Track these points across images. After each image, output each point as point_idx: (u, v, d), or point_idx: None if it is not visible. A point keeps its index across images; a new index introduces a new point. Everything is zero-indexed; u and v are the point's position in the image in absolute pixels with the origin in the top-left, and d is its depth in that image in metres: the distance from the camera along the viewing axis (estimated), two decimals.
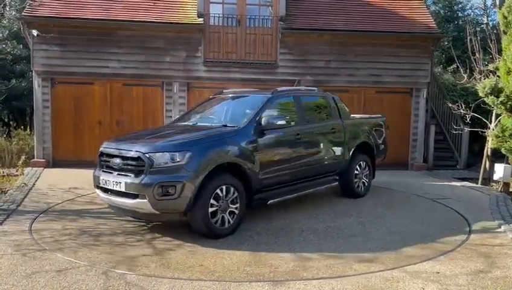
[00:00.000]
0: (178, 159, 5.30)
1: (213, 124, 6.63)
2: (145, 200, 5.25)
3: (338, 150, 7.54)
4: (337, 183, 7.59)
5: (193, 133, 6.15)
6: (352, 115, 8.44)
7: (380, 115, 9.26)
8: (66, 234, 5.64)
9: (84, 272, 4.41)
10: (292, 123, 6.85)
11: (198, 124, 6.83)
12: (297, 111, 7.00)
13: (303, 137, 6.81)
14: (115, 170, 5.63)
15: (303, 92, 7.70)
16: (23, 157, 10.00)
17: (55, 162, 11.05)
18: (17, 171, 9.85)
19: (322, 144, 7.24)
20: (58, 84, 11.14)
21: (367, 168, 8.10)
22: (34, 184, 8.78)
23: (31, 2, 11.03)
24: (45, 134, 11.07)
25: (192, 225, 5.52)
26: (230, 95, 7.53)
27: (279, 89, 7.19)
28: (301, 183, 6.86)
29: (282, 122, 6.42)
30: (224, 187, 5.54)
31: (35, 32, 10.54)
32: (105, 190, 5.76)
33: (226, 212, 5.58)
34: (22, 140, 12.33)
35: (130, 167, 5.47)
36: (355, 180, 7.84)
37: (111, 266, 4.58)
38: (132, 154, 5.47)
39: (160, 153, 5.34)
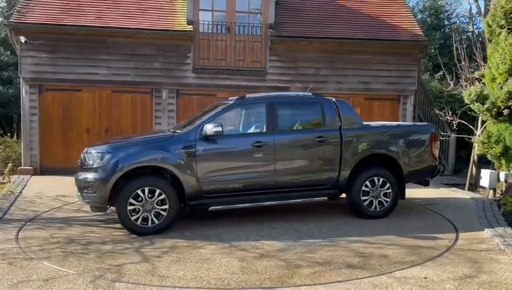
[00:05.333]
0: (99, 160, 6.05)
1: (171, 130, 6.91)
2: (79, 193, 6.23)
3: (328, 162, 6.76)
4: (325, 198, 6.84)
5: (131, 138, 7.00)
6: (370, 123, 7.67)
7: (422, 123, 8.01)
8: (54, 243, 5.59)
9: (71, 281, 4.37)
10: (256, 131, 6.70)
11: (172, 130, 7.02)
12: (268, 118, 6.62)
13: (267, 146, 6.44)
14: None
15: (285, 98, 7.21)
16: (9, 165, 9.86)
17: (42, 170, 10.95)
18: (3, 179, 9.70)
19: (298, 154, 6.68)
20: (46, 91, 11.07)
21: (387, 185, 6.91)
22: (20, 192, 8.69)
23: (19, 9, 10.97)
24: (32, 141, 10.97)
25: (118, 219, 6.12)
26: (219, 102, 7.54)
27: (248, 95, 6.99)
28: (263, 195, 6.51)
29: (223, 129, 6.18)
30: (146, 188, 5.95)
31: (23, 39, 10.48)
32: None
33: (150, 213, 5.98)
34: (8, 147, 12.18)
35: (78, 165, 6.44)
36: (365, 197, 6.85)
37: (99, 275, 4.54)
38: (81, 155, 6.43)
39: (90, 154, 6.21)
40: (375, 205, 6.92)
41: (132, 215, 5.93)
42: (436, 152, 7.49)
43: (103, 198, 5.96)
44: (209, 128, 6.17)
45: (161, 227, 6.02)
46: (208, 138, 6.24)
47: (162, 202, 6.02)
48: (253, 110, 6.92)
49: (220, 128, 6.19)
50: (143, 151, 6.13)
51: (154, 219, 6.00)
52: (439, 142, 7.59)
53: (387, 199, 6.96)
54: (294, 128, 6.94)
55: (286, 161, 6.61)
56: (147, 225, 5.98)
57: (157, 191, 5.98)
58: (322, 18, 12.33)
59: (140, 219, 5.96)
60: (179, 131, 6.55)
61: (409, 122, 8.59)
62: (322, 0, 12.83)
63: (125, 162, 5.96)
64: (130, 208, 5.91)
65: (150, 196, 5.96)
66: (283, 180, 6.60)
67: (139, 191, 5.93)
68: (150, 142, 6.44)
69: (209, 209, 6.30)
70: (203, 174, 6.20)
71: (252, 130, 6.83)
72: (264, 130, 6.65)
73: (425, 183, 7.66)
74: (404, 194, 7.19)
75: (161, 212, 6.02)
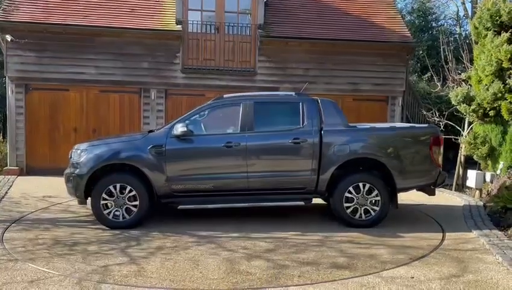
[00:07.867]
0: (78, 157, 6.40)
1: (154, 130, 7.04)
2: (66, 186, 6.55)
3: (304, 165, 6.42)
4: (302, 203, 6.59)
5: (110, 137, 7.30)
6: (358, 124, 7.16)
7: (421, 125, 7.53)
8: (39, 244, 5.52)
9: (57, 282, 4.32)
10: (228, 131, 6.60)
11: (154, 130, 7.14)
12: (242, 119, 6.46)
13: (238, 147, 6.32)
14: None
15: (263, 98, 6.96)
16: None
17: (29, 170, 10.82)
18: None
19: (271, 156, 6.48)
20: (33, 90, 10.95)
21: (374, 192, 6.42)
22: (6, 192, 8.57)
23: (5, 7, 10.82)
24: (19, 141, 10.85)
25: None
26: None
27: (226, 95, 7.07)
28: (236, 196, 6.45)
29: (187, 129, 6.25)
30: (118, 185, 6.23)
31: (9, 38, 10.30)
32: None
33: (122, 208, 6.26)
34: None
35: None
36: (348, 204, 6.42)
37: (85, 276, 4.49)
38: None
39: (73, 151, 6.59)
40: (360, 213, 6.45)
41: (105, 210, 6.25)
42: (439, 158, 6.77)
43: (81, 192, 6.29)
44: (178, 128, 6.29)
45: (132, 222, 6.28)
46: (179, 138, 6.32)
47: (134, 198, 6.26)
48: (229, 111, 6.75)
49: (185, 129, 6.27)
50: (115, 150, 6.41)
51: (125, 214, 6.28)
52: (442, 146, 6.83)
53: (375, 208, 6.45)
54: (269, 130, 6.62)
55: (259, 163, 6.42)
56: (119, 219, 6.27)
57: (128, 187, 6.24)
58: (311, 19, 12.37)
59: (112, 214, 6.26)
60: (155, 131, 6.77)
61: (405, 124, 8.15)
62: (311, 2, 12.88)
63: (98, 159, 6.28)
64: (103, 202, 6.24)
65: (121, 192, 6.24)
66: (255, 182, 6.42)
67: (111, 187, 6.22)
68: (124, 141, 6.68)
69: (178, 208, 6.39)
70: (173, 173, 6.29)
71: (225, 130, 6.71)
72: (238, 130, 6.50)
73: (430, 193, 7.00)
74: (396, 202, 6.67)
75: (132, 208, 6.28)
